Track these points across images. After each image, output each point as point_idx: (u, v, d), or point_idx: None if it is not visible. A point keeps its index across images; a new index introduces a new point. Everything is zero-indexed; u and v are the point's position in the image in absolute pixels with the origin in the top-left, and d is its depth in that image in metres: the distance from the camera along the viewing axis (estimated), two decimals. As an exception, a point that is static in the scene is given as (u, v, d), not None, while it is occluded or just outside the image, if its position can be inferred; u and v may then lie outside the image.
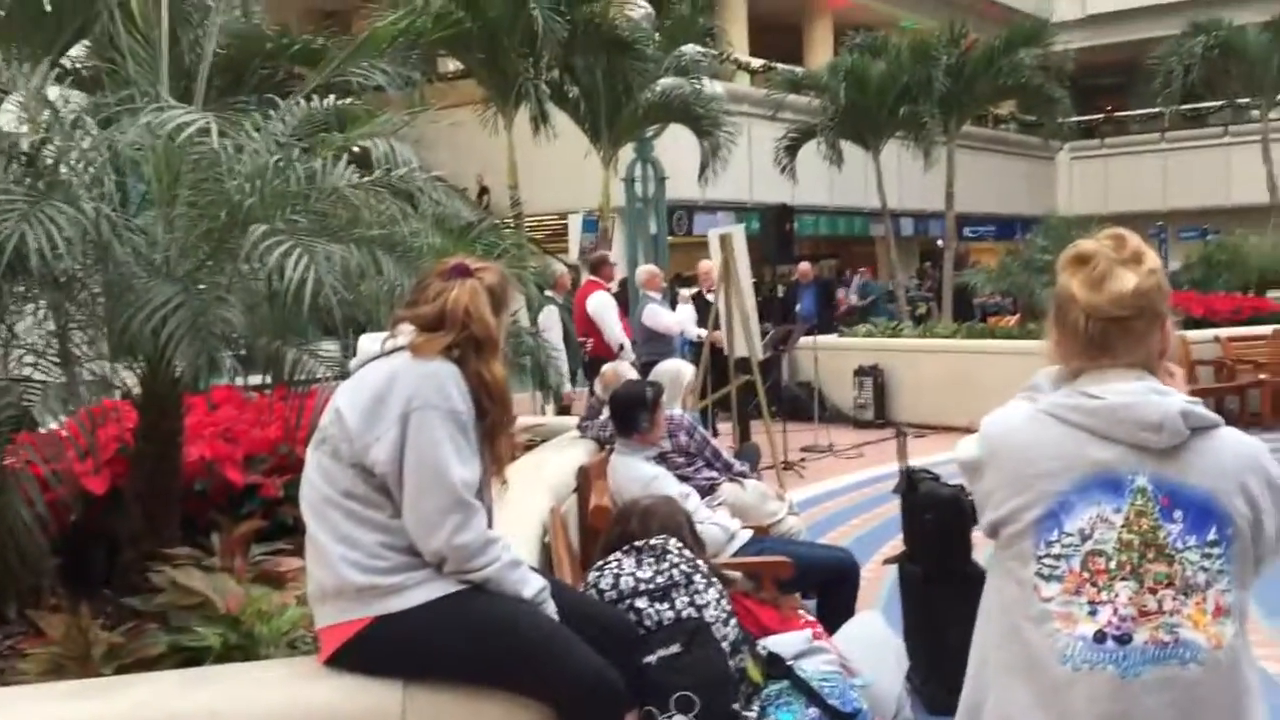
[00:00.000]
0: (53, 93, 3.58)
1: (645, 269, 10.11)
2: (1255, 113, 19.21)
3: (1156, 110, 24.81)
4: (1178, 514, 1.78)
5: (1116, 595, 1.77)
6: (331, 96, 3.83)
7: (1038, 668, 1.79)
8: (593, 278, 9.74)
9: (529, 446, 5.67)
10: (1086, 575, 1.78)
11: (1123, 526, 1.78)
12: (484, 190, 20.23)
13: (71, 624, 2.74)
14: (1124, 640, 1.75)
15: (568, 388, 8.33)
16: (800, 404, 11.78)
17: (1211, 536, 1.78)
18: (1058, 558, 1.79)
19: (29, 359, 3.17)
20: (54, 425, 3.35)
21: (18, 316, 3.08)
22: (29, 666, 2.67)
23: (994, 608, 1.90)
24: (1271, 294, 14.97)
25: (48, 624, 2.80)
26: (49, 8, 5.67)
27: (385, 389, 2.44)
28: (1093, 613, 1.77)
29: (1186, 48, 17.60)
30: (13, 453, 3.15)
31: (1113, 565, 1.77)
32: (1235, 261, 14.70)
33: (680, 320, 9.59)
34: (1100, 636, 1.76)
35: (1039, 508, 1.81)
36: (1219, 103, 24.27)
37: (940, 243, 18.46)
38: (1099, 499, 1.79)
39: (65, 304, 3.15)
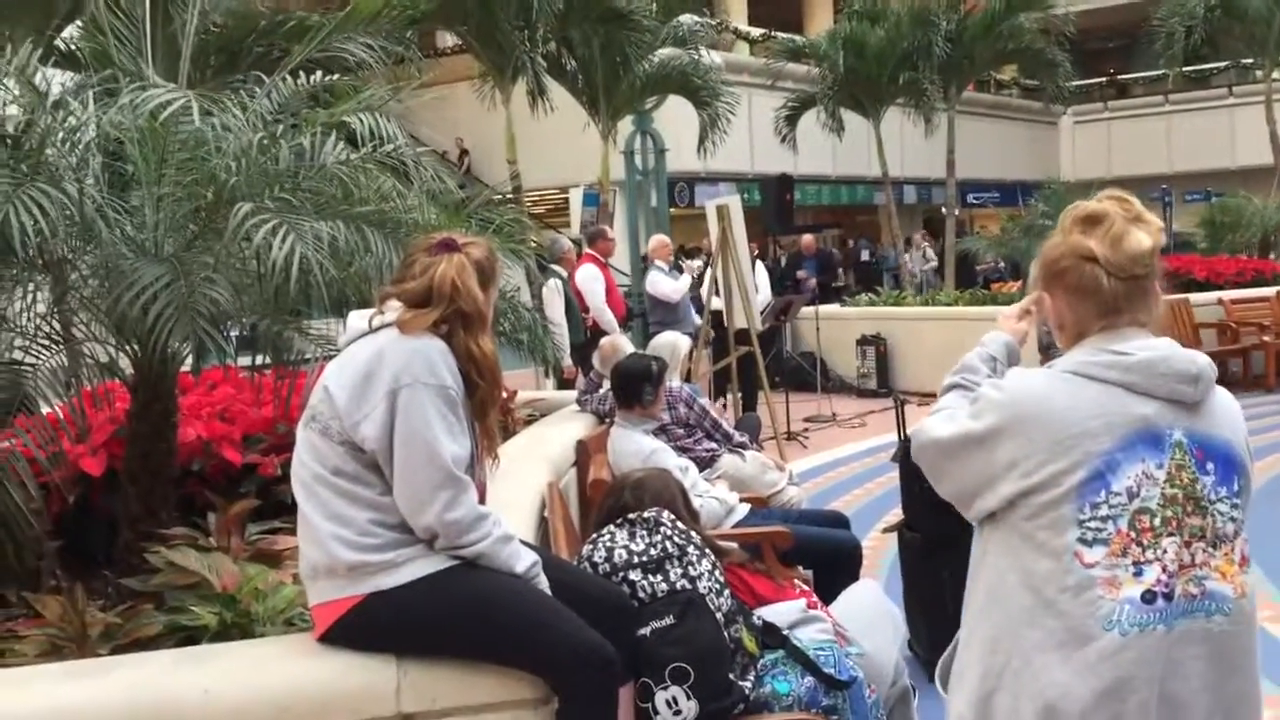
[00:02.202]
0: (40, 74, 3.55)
1: (656, 238, 10.19)
2: (1259, 73, 19.00)
3: (1159, 73, 24.61)
4: (1210, 466, 1.79)
5: (1165, 552, 1.75)
6: (319, 73, 3.79)
7: (1078, 639, 1.74)
8: (589, 250, 9.71)
9: (528, 421, 5.67)
10: (1133, 535, 1.75)
11: (1165, 481, 1.76)
12: (464, 153, 20.18)
13: (68, 605, 2.75)
14: (1170, 597, 1.74)
15: (567, 362, 8.31)
16: (803, 374, 11.77)
17: (1236, 487, 1.80)
18: (1105, 519, 1.75)
19: (19, 343, 3.16)
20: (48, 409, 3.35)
21: (7, 300, 3.07)
22: (26, 648, 2.67)
23: (1012, 588, 1.81)
24: (1275, 255, 14.90)
25: (44, 606, 2.81)
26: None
27: (373, 365, 2.43)
28: (1138, 573, 1.74)
29: (1188, 8, 17.33)
30: (6, 436, 3.14)
31: (1157, 522, 1.75)
32: (1238, 223, 14.60)
33: (679, 288, 9.57)
34: (1149, 596, 1.74)
35: (1083, 469, 1.76)
36: (1222, 63, 24.03)
37: (944, 210, 18.36)
38: (1143, 455, 1.77)
39: (55, 286, 3.14)
